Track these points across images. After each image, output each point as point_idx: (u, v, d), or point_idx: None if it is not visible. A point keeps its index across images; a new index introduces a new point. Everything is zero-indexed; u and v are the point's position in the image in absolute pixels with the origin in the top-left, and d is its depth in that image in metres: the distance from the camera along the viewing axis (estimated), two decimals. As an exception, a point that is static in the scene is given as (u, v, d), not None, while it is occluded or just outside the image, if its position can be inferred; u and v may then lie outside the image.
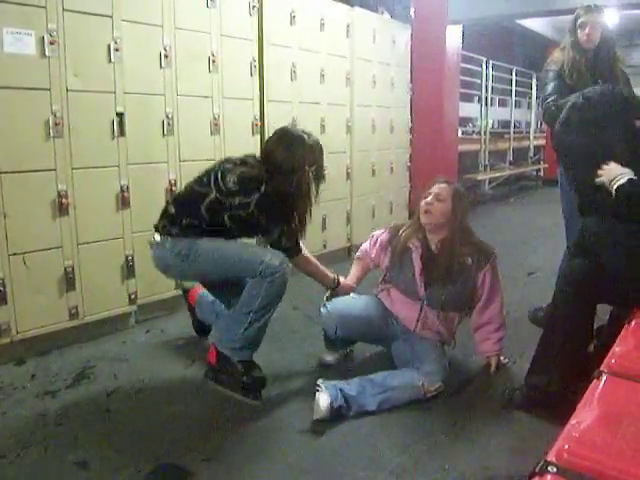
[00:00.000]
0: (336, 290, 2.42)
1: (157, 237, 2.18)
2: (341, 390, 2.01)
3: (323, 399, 1.96)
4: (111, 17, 2.61)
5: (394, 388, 2.07)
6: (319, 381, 2.05)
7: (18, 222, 2.38)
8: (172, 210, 2.18)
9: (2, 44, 2.28)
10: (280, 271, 2.06)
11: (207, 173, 2.15)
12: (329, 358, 2.45)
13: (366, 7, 4.62)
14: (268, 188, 2.06)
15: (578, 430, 1.05)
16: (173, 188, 2.92)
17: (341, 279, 2.45)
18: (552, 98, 2.65)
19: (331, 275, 2.43)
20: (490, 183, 7.81)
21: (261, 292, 2.07)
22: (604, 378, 1.31)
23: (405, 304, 2.30)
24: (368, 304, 2.39)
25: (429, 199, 2.21)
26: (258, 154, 2.25)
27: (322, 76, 3.88)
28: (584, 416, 1.11)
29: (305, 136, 2.17)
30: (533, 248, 4.73)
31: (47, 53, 2.40)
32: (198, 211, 2.10)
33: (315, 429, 1.93)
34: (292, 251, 2.20)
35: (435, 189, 2.23)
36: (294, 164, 2.10)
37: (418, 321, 2.26)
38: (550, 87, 2.72)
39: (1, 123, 2.30)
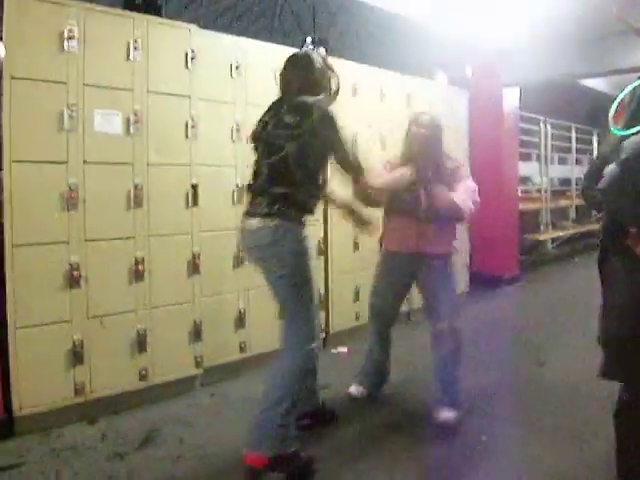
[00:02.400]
0: None
1: (272, 221, 1.99)
2: None
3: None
4: (189, 97, 2.83)
5: None
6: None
7: (97, 286, 2.53)
8: (279, 190, 2.01)
9: (93, 124, 2.51)
10: (307, 350, 2.03)
11: (265, 146, 2.09)
12: (355, 391, 2.67)
13: (420, 74, 4.71)
14: (319, 99, 2.07)
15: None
16: (240, 254, 3.00)
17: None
18: (584, 184, 2.55)
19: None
20: (553, 242, 7.59)
21: (286, 370, 2.03)
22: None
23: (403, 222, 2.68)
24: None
25: None
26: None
27: (382, 143, 3.98)
28: None
29: (308, 51, 2.24)
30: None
31: (131, 131, 2.62)
32: (292, 175, 2.00)
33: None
34: (360, 169, 2.14)
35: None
36: (317, 76, 2.13)
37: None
38: (588, 167, 2.63)
39: (89, 195, 2.50)
